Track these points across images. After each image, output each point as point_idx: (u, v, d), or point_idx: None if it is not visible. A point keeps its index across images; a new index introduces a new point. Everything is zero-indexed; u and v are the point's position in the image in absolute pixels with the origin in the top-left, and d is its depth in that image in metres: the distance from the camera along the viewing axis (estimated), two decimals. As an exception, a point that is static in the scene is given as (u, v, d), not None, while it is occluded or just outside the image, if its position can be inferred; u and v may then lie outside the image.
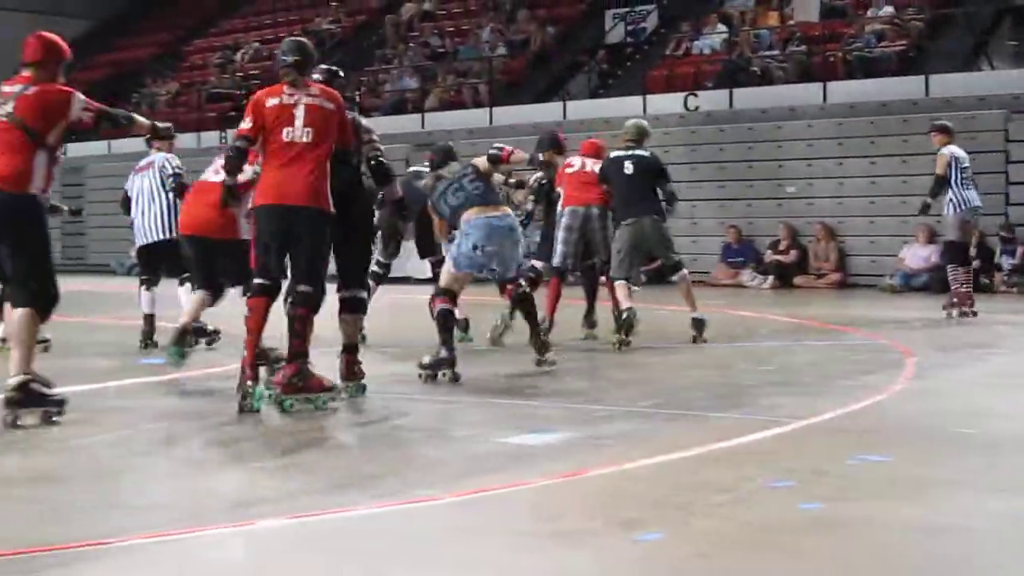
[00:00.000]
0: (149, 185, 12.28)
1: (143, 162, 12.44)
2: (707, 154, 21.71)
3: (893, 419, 7.86)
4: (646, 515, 5.29)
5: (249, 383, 8.07)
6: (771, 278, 20.18)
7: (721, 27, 24.25)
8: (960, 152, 14.28)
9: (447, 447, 7.04)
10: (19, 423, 7.56)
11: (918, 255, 18.88)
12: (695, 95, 22.41)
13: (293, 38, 8.77)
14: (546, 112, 24.27)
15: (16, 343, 7.73)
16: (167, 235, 12.12)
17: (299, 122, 8.07)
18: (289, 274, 8.41)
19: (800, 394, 8.77)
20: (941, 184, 14.15)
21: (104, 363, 11.33)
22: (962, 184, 14.15)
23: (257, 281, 8.18)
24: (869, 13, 22.78)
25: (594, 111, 23.52)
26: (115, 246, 28.66)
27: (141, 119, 8.64)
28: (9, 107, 7.76)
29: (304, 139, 8.06)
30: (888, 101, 20.34)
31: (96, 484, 6.20)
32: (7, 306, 8.32)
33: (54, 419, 7.68)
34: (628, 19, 26.34)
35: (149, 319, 12.25)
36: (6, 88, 7.91)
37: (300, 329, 8.10)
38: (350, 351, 8.96)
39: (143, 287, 12.33)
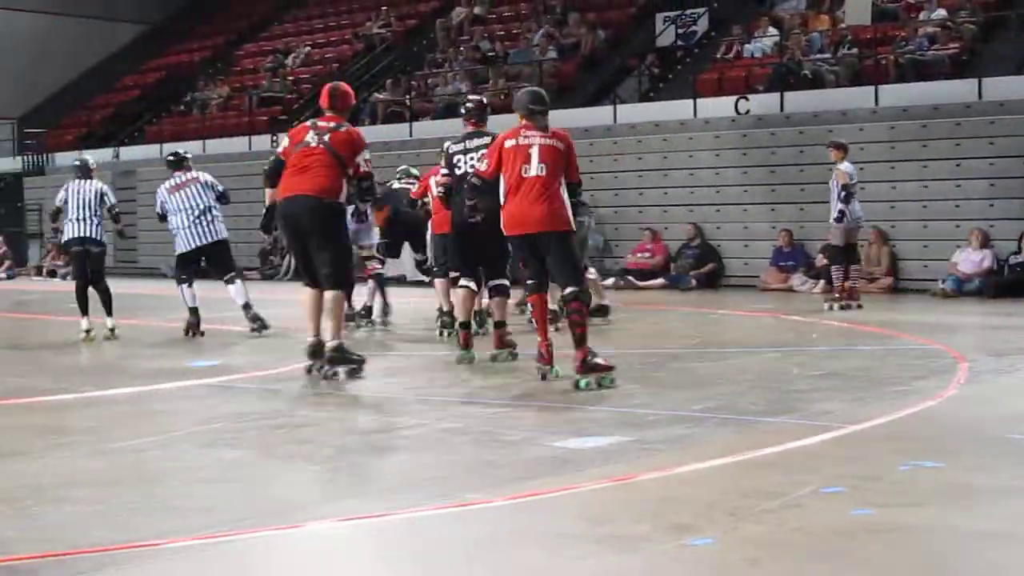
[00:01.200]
0: (193, 197, 14.02)
1: (182, 179, 14.13)
2: (758, 158, 21.61)
3: (945, 425, 7.81)
4: (696, 520, 5.28)
5: (545, 365, 9.70)
6: (822, 282, 20.05)
7: (772, 30, 24.15)
8: (853, 168, 16.13)
9: (498, 451, 7.05)
10: (335, 376, 9.92)
11: (970, 259, 18.73)
12: (746, 99, 22.33)
13: (534, 88, 10.67)
14: (596, 116, 24.24)
15: (330, 316, 9.97)
16: (212, 239, 14.03)
17: (535, 160, 9.54)
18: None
19: (852, 399, 8.72)
20: (851, 193, 15.97)
21: (155, 365, 11.43)
22: (851, 198, 16.02)
23: (530, 282, 9.80)
24: (921, 16, 22.64)
25: (644, 115, 23.50)
26: (165, 249, 28.80)
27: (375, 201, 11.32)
28: (326, 138, 10.10)
29: (540, 173, 9.51)
30: (940, 104, 20.19)
31: (145, 486, 6.25)
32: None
33: (359, 374, 9.99)
34: (679, 22, 26.27)
35: (195, 311, 13.98)
36: (321, 123, 10.26)
37: (579, 320, 9.50)
38: (500, 326, 11.19)
39: (185, 285, 14.05)
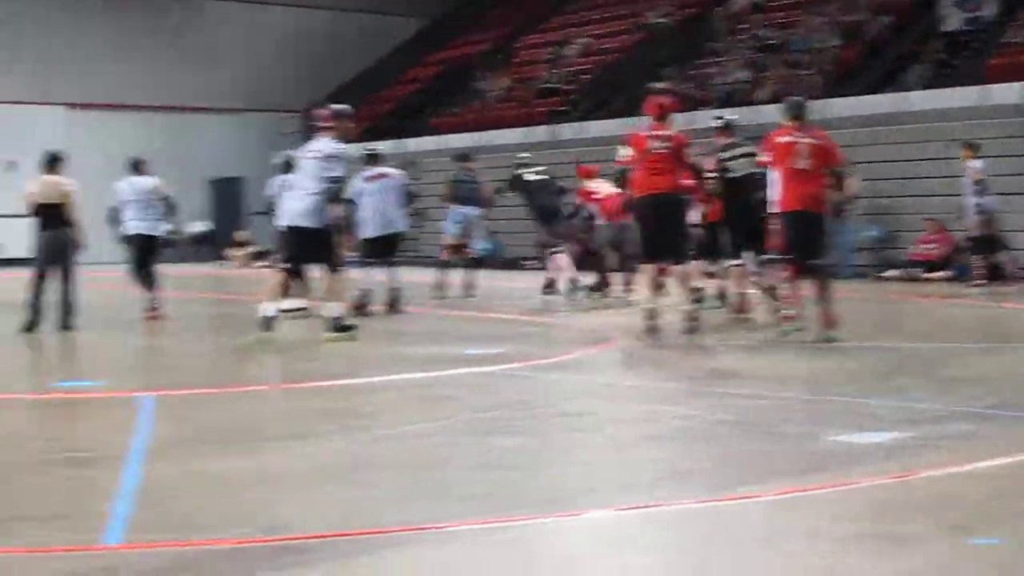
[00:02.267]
0: (385, 190, 15.72)
1: (376, 171, 15.96)
2: (1049, 147, 20.82)
3: None
4: (981, 519, 5.13)
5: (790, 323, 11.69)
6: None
7: (1069, 11, 23.24)
8: (983, 164, 17.71)
9: (774, 443, 6.97)
10: (694, 331, 12.12)
11: None
12: (1038, 84, 21.53)
13: (797, 98, 12.54)
14: (879, 103, 23.70)
15: (685, 283, 12.42)
16: (396, 229, 15.88)
17: (803, 154, 11.63)
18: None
19: None
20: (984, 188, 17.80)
21: (431, 351, 11.62)
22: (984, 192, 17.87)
23: (789, 257, 11.74)
24: None
25: (930, 102, 22.86)
26: (433, 238, 29.42)
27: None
28: (667, 144, 12.27)
29: (807, 167, 11.62)
30: None
31: (425, 471, 6.38)
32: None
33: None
34: (965, 6, 25.50)
35: (368, 293, 15.24)
36: (655, 132, 12.38)
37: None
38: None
39: (371, 268, 15.54)
